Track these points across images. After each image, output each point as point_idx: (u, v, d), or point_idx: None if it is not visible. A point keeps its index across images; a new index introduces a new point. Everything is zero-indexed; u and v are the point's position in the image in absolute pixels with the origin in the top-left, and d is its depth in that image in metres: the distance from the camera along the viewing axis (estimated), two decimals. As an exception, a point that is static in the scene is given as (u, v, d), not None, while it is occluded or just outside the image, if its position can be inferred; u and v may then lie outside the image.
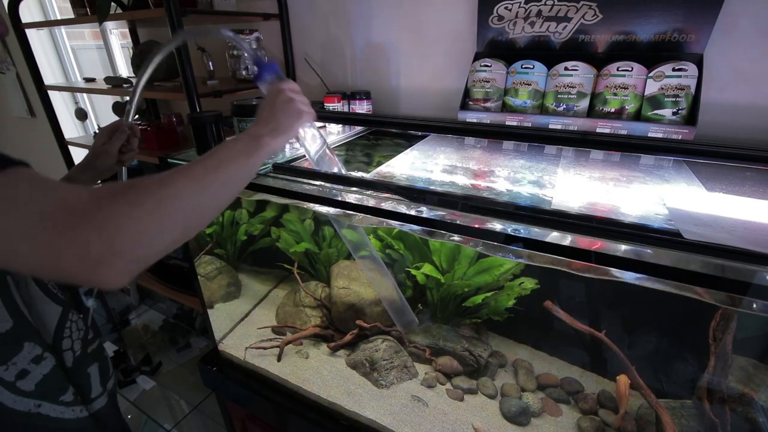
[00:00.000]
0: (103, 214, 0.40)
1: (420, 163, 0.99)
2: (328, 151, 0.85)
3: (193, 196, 0.47)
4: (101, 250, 0.39)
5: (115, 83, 1.63)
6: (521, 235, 0.64)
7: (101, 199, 0.41)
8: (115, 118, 1.83)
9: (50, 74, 2.38)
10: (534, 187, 0.82)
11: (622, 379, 1.01)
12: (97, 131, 0.89)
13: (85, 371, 0.68)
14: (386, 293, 1.12)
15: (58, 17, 2.29)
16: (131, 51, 1.97)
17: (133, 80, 1.73)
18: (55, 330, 0.63)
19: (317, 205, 0.84)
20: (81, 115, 2.19)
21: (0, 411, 0.54)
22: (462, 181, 0.87)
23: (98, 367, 0.70)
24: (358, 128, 1.31)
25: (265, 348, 1.28)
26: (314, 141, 0.82)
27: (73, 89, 2.06)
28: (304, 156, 1.03)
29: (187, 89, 1.27)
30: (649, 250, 0.57)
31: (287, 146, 1.12)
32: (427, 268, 1.20)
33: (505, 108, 1.18)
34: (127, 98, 1.98)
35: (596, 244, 0.60)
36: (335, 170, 0.86)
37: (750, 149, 0.85)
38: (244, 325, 1.43)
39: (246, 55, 0.72)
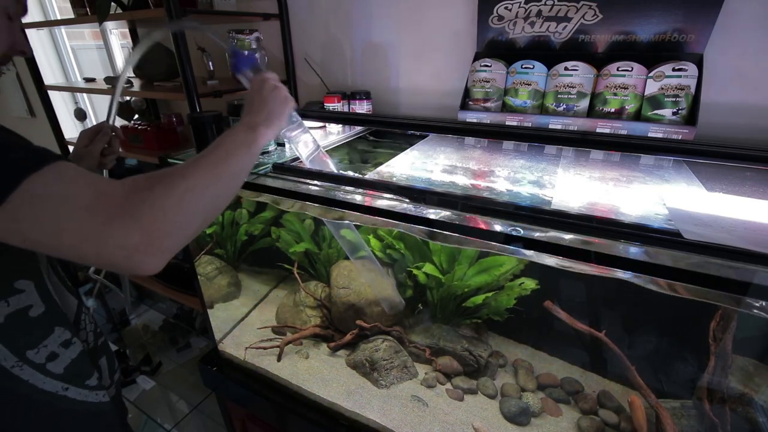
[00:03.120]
0: (139, 206, 0.43)
1: (420, 163, 0.99)
2: (321, 153, 0.86)
3: (209, 186, 0.50)
4: (140, 239, 0.42)
5: (115, 83, 1.63)
6: (521, 235, 0.64)
7: (137, 192, 0.44)
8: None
9: (50, 74, 2.38)
10: (534, 187, 0.82)
11: (637, 404, 0.98)
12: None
13: (97, 363, 0.71)
14: (372, 277, 1.13)
15: (58, 17, 2.29)
16: (131, 51, 1.97)
17: (134, 80, 1.73)
18: (73, 321, 0.66)
19: (312, 203, 0.83)
20: (80, 115, 2.19)
21: (29, 391, 0.57)
22: (462, 181, 0.87)
23: (106, 359, 0.74)
24: (358, 128, 1.31)
25: (265, 348, 1.28)
26: (306, 146, 0.84)
27: (73, 89, 2.06)
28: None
29: (187, 89, 1.27)
30: (648, 250, 0.57)
31: (287, 146, 1.12)
32: (428, 268, 1.20)
33: (505, 108, 1.18)
34: (128, 98, 1.97)
35: (596, 244, 0.60)
36: (327, 170, 0.87)
37: (750, 149, 0.85)
38: (244, 325, 1.43)
39: (226, 47, 0.77)
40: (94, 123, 2.71)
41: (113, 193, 0.44)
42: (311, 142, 0.85)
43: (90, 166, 0.83)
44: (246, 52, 0.75)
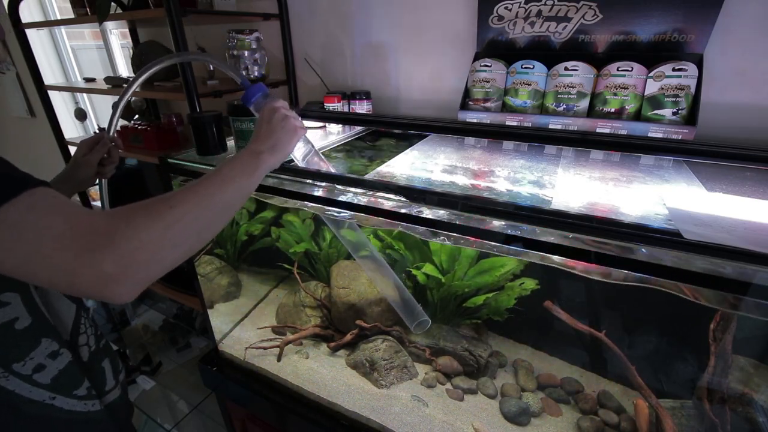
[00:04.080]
0: (117, 238, 0.42)
1: (420, 163, 0.99)
2: (315, 156, 0.86)
3: (200, 215, 0.50)
4: (115, 271, 0.42)
5: (115, 83, 1.63)
6: (521, 235, 0.64)
7: (115, 224, 0.43)
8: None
9: (50, 74, 2.38)
10: (534, 187, 0.82)
11: (641, 407, 0.98)
12: (97, 131, 0.89)
13: (100, 365, 0.71)
14: (391, 293, 1.12)
15: (58, 17, 2.29)
16: (131, 51, 1.96)
17: (133, 80, 1.73)
18: (72, 326, 0.66)
19: (316, 204, 0.83)
20: (80, 115, 2.19)
21: (16, 400, 0.57)
22: (462, 181, 0.87)
23: (110, 360, 0.74)
24: (358, 128, 1.31)
25: (265, 348, 1.28)
26: (299, 149, 0.84)
27: (73, 89, 2.06)
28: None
29: (187, 89, 1.27)
30: (647, 250, 0.57)
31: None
32: (428, 268, 1.20)
33: (505, 108, 1.18)
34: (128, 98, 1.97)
35: (596, 243, 0.60)
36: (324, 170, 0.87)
37: (750, 149, 0.85)
38: (244, 325, 1.43)
39: (237, 79, 0.77)
40: (94, 123, 2.68)
41: (89, 223, 0.43)
42: (303, 144, 0.85)
43: (88, 175, 0.83)
44: (258, 83, 0.75)
